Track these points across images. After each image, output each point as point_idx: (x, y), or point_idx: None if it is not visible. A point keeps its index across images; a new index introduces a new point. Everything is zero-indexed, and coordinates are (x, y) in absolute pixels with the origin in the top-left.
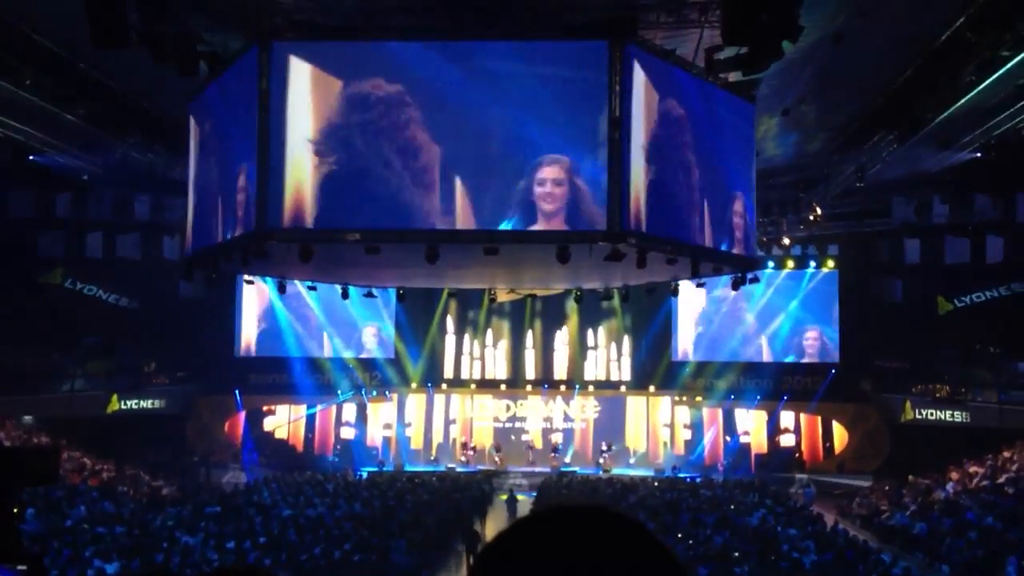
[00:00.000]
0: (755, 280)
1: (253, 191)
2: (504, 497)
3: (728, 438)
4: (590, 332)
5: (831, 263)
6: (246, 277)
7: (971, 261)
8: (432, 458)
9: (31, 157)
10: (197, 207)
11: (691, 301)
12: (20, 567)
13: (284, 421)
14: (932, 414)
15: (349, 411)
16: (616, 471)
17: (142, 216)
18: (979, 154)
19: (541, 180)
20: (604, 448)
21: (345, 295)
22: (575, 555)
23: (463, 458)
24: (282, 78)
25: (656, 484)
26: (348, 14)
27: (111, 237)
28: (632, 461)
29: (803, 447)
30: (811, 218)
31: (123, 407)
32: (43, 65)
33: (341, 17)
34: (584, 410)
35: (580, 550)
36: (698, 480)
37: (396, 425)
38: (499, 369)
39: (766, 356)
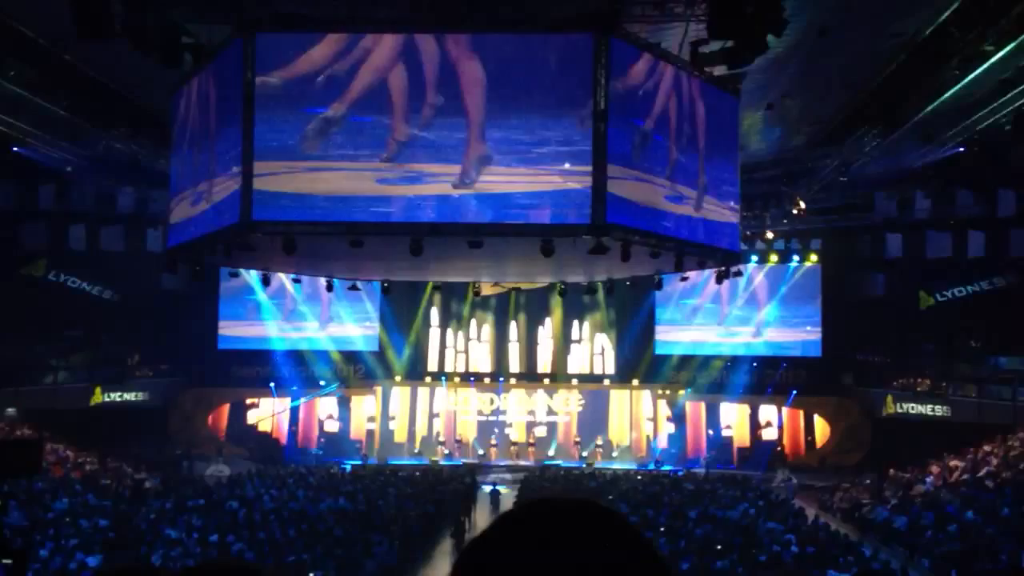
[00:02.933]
0: (738, 274)
1: (238, 183)
2: (487, 491)
3: (711, 432)
4: (574, 325)
5: (814, 257)
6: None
7: (953, 256)
8: (416, 451)
9: (14, 148)
10: (180, 199)
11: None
12: (5, 561)
13: (268, 414)
14: (913, 408)
15: (332, 404)
16: (599, 465)
17: (125, 208)
18: (961, 149)
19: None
20: (576, 441)
21: (330, 288)
22: (558, 549)
23: (446, 450)
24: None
25: (639, 477)
26: (332, 5)
27: (94, 229)
28: (615, 454)
29: (785, 441)
30: (794, 212)
31: (106, 399)
32: (27, 56)
33: (325, 8)
34: (568, 403)
35: (562, 544)
36: (680, 474)
37: (380, 418)
38: (483, 362)
39: (748, 350)
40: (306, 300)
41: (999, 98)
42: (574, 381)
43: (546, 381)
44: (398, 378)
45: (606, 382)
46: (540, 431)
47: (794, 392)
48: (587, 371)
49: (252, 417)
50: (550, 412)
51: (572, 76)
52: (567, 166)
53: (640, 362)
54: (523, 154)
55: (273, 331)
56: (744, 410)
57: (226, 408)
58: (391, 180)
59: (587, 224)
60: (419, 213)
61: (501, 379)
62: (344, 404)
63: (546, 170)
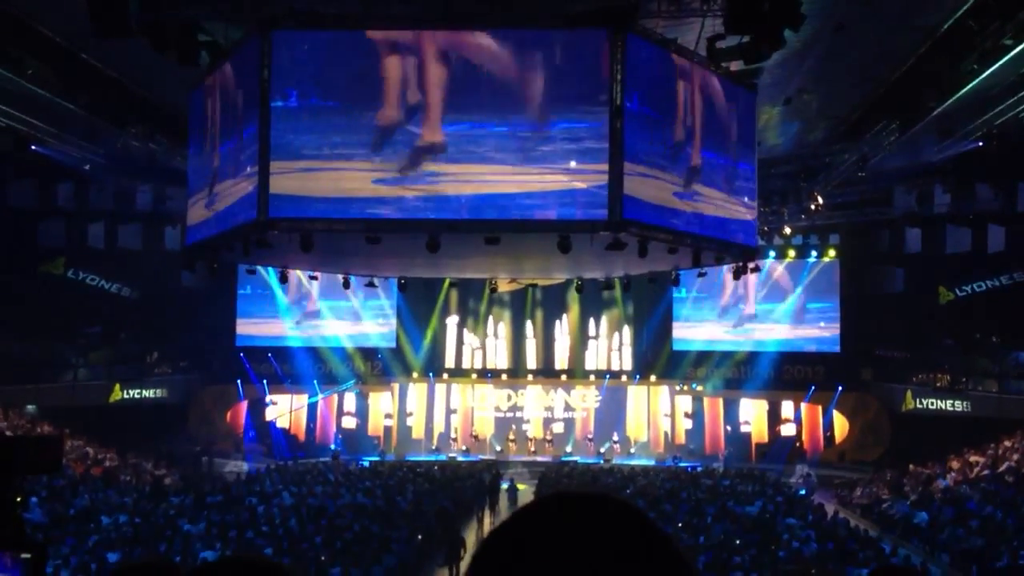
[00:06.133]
0: (756, 270)
1: (254, 181)
2: (505, 487)
3: (729, 427)
4: (591, 321)
5: (832, 252)
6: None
7: (972, 250)
8: (433, 448)
9: (33, 147)
10: (198, 198)
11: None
12: (24, 555)
13: (286, 410)
14: (933, 403)
15: (351, 400)
16: (617, 460)
17: (144, 206)
18: (980, 143)
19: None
20: (589, 438)
21: (347, 284)
22: (576, 543)
23: (464, 446)
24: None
25: (657, 473)
26: (346, 1)
27: (113, 227)
28: (633, 450)
29: (804, 436)
30: (812, 207)
31: (125, 396)
32: (45, 55)
33: (339, 5)
34: (585, 400)
35: (581, 537)
36: (699, 469)
37: (397, 415)
38: (500, 359)
39: (767, 346)
40: (323, 297)
41: (1018, 92)
42: (591, 377)
43: (563, 377)
44: (415, 375)
45: (624, 378)
46: (557, 427)
47: (812, 387)
48: (604, 367)
49: (271, 414)
50: (567, 408)
51: (582, 72)
52: (573, 164)
53: (658, 358)
54: (528, 152)
55: (291, 328)
56: (762, 406)
57: (244, 405)
58: (388, 181)
59: (605, 220)
60: (419, 214)
61: (518, 375)
62: (362, 401)
63: (551, 168)
